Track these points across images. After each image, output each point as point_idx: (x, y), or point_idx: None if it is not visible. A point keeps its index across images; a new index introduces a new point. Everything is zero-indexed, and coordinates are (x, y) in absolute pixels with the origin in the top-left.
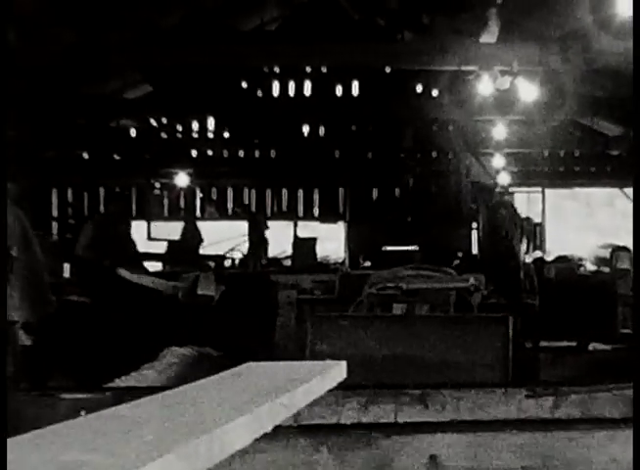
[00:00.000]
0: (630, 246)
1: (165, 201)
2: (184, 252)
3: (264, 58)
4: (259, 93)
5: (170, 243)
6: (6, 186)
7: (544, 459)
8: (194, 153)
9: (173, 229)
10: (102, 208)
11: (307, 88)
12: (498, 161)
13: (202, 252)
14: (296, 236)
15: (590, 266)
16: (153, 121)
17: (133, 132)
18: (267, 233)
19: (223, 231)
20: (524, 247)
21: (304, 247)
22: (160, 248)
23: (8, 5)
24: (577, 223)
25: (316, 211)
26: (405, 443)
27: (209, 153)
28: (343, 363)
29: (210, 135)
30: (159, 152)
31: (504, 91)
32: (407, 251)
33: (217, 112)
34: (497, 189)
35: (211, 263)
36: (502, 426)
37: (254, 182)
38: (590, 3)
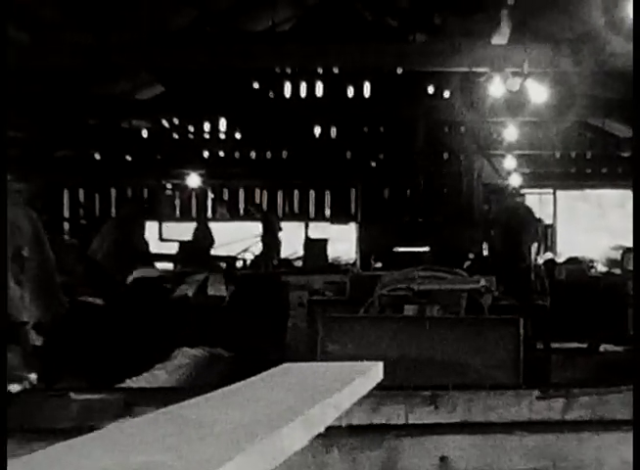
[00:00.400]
0: None
1: (177, 201)
2: (195, 252)
3: (276, 59)
4: (271, 94)
5: (182, 244)
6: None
7: (555, 461)
8: (205, 154)
9: (185, 230)
10: (113, 209)
11: (319, 89)
12: (510, 162)
13: (213, 252)
14: (307, 237)
15: (601, 268)
16: (165, 122)
17: (145, 133)
18: (280, 234)
19: (235, 232)
20: (534, 249)
21: (316, 248)
22: (172, 248)
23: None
24: (589, 225)
25: (327, 212)
26: (416, 444)
27: (221, 154)
28: (380, 364)
29: (222, 136)
30: (170, 152)
31: (515, 92)
32: (418, 252)
33: (229, 112)
34: (511, 191)
35: (223, 264)
36: (513, 428)
37: (266, 183)
38: (602, 5)
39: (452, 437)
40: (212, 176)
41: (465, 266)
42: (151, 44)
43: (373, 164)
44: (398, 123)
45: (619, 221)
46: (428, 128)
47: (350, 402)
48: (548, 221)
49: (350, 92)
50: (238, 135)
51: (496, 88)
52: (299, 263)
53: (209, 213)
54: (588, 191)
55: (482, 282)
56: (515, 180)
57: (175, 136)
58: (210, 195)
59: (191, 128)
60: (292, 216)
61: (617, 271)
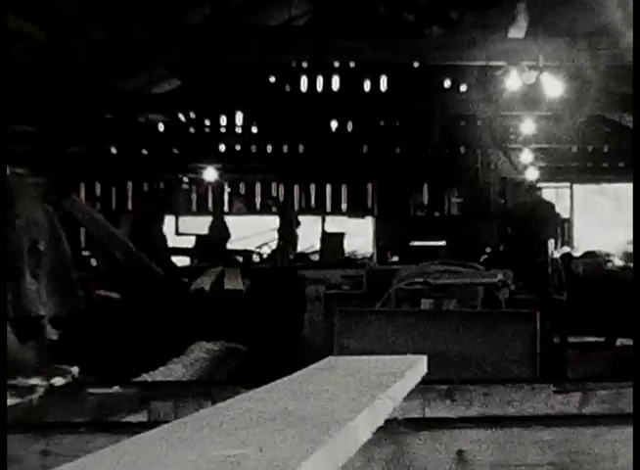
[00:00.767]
0: None
1: (194, 196)
2: (212, 247)
3: (292, 54)
4: (287, 88)
5: (198, 238)
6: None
7: (571, 455)
8: (222, 148)
9: (201, 224)
10: (130, 203)
11: (335, 83)
12: (526, 156)
13: (230, 246)
14: (323, 231)
15: (618, 262)
16: (181, 116)
17: (161, 127)
18: (299, 228)
19: (251, 226)
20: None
21: (332, 242)
22: (189, 242)
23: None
24: (606, 219)
25: (344, 207)
26: (432, 438)
27: (238, 148)
28: (425, 358)
29: (239, 130)
30: (187, 146)
31: (532, 86)
32: (435, 246)
33: (246, 106)
34: (530, 185)
35: (239, 258)
36: (530, 422)
37: (283, 177)
38: None
39: (469, 431)
40: (229, 170)
41: (482, 260)
42: (166, 40)
43: (389, 158)
44: (415, 117)
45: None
46: (444, 122)
47: (403, 395)
48: (565, 215)
49: (367, 86)
50: (254, 129)
51: (512, 82)
52: (316, 257)
53: (226, 207)
54: (605, 185)
55: (499, 276)
56: (531, 174)
57: (192, 130)
58: (227, 189)
59: (207, 122)
60: (308, 210)
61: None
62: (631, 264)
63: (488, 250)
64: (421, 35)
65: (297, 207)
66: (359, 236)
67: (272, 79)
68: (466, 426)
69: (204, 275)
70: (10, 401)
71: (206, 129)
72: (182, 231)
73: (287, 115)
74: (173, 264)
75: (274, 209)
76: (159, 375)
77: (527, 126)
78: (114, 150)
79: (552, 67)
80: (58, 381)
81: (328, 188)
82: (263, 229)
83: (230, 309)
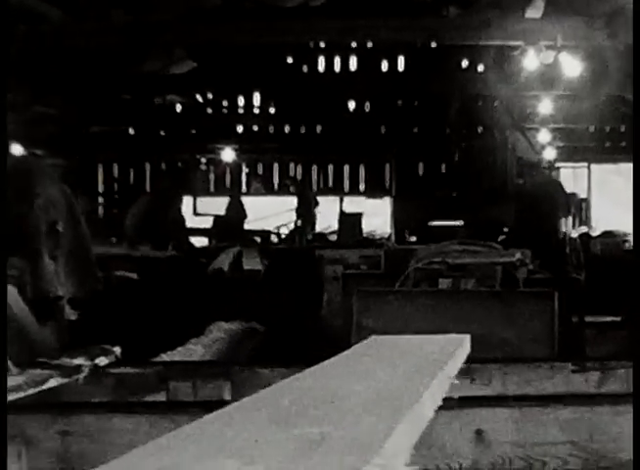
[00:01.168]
0: None
1: (211, 176)
2: (229, 227)
3: (309, 34)
4: (305, 68)
5: (216, 218)
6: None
7: (591, 434)
8: (240, 128)
9: (219, 204)
10: (148, 184)
11: (353, 63)
12: (544, 136)
13: (248, 227)
14: (341, 211)
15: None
16: (199, 97)
17: (179, 108)
18: (317, 208)
19: (269, 207)
20: (569, 223)
21: (350, 222)
22: (207, 223)
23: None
24: (623, 199)
25: (362, 187)
26: (451, 417)
27: (255, 128)
28: (468, 337)
29: (256, 111)
30: (204, 127)
31: (550, 66)
32: (453, 226)
33: (263, 87)
34: (542, 165)
35: (257, 239)
36: (549, 401)
37: (300, 157)
38: None
39: (488, 410)
40: (246, 151)
41: (499, 240)
42: (185, 21)
43: (407, 138)
44: (432, 98)
45: None
46: (461, 102)
47: (454, 374)
48: (582, 195)
49: (384, 66)
50: (272, 110)
51: (530, 62)
52: (334, 238)
53: (244, 188)
54: (622, 165)
55: (517, 255)
56: (549, 154)
57: (209, 111)
58: (245, 169)
59: (225, 103)
60: (326, 191)
61: None
62: None
63: (506, 229)
64: (438, 15)
65: (315, 187)
66: (377, 216)
67: (290, 60)
68: (485, 405)
69: (221, 255)
70: (57, 382)
71: (224, 110)
72: (200, 212)
73: (304, 95)
74: (191, 245)
75: (292, 189)
76: (177, 355)
77: (545, 106)
78: (131, 131)
79: (570, 46)
80: (102, 361)
81: (346, 168)
82: (281, 210)
83: (248, 290)
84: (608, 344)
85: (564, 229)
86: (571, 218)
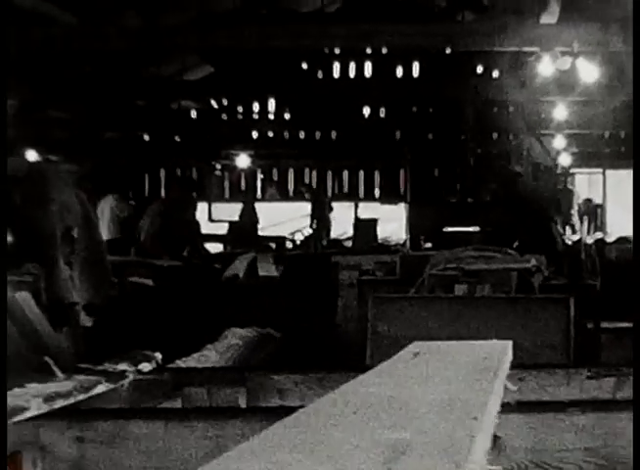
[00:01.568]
0: None
1: (226, 182)
2: (243, 233)
3: (325, 39)
4: (320, 74)
5: (231, 224)
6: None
7: (606, 440)
8: (255, 134)
9: (234, 210)
10: (163, 189)
11: (368, 69)
12: (559, 142)
13: (263, 233)
14: (356, 217)
15: None
16: (214, 103)
17: (194, 114)
18: (331, 214)
19: (284, 213)
20: (584, 228)
21: (365, 228)
22: (222, 229)
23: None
24: None
25: (377, 193)
26: None
27: (270, 134)
28: (511, 343)
29: (271, 116)
30: (219, 133)
31: (565, 72)
32: (468, 232)
33: (278, 93)
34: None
35: (273, 245)
36: (564, 407)
37: (315, 163)
38: None
39: (503, 416)
40: (262, 157)
41: (515, 246)
42: (199, 26)
43: (422, 144)
44: (447, 103)
45: None
46: (476, 108)
47: (503, 380)
48: (598, 201)
49: (399, 72)
50: (287, 116)
51: (545, 68)
52: (349, 244)
53: (259, 194)
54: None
55: (533, 261)
56: (564, 160)
57: (224, 117)
58: (260, 175)
59: (240, 109)
60: (341, 197)
61: None
62: None
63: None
64: (453, 21)
65: (329, 193)
66: (392, 222)
67: (305, 66)
68: (500, 411)
69: (236, 262)
70: (105, 387)
71: (239, 116)
72: (215, 218)
73: (319, 101)
74: (207, 251)
75: (307, 195)
76: (192, 361)
77: (560, 112)
78: (146, 137)
79: (585, 52)
80: (145, 367)
81: (361, 174)
82: (296, 215)
83: (264, 296)
84: (623, 350)
85: (566, 234)
86: (586, 224)
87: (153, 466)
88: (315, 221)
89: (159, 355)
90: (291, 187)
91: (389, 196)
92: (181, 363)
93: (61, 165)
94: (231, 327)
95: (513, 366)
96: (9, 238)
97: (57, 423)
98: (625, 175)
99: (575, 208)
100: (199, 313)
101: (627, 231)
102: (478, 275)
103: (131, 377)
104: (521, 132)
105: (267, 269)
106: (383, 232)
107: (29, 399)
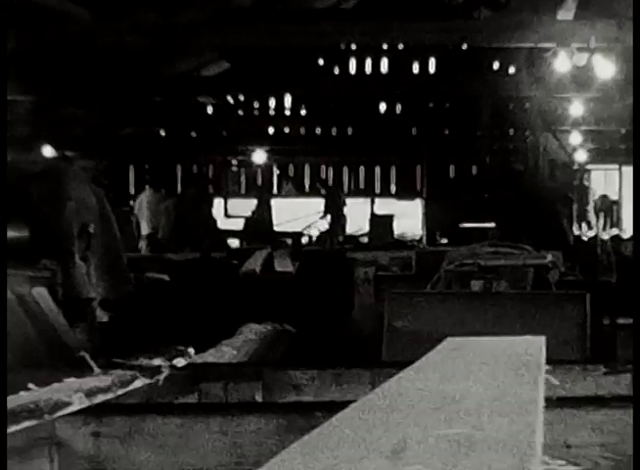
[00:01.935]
0: None
1: (243, 178)
2: (259, 229)
3: (340, 36)
4: (336, 70)
5: (247, 220)
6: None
7: (623, 436)
8: (271, 130)
9: (250, 206)
10: (179, 187)
11: (384, 65)
12: (575, 138)
13: (280, 229)
14: (373, 213)
15: None
16: (230, 99)
17: (210, 109)
18: (345, 210)
19: (301, 208)
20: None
21: (381, 224)
22: (238, 225)
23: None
24: None
25: (393, 189)
26: None
27: (287, 130)
28: (544, 339)
29: (288, 112)
30: (236, 129)
31: (581, 68)
32: (484, 228)
33: (294, 89)
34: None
35: (289, 240)
36: (580, 403)
37: (332, 159)
38: None
39: None
40: (278, 153)
41: (523, 242)
42: (216, 22)
43: (439, 140)
44: (464, 99)
45: None
46: (493, 104)
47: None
48: (614, 197)
49: (416, 68)
50: (303, 112)
51: (562, 64)
52: (365, 240)
53: (275, 190)
54: None
55: (549, 258)
56: (580, 156)
57: (241, 113)
58: (276, 171)
59: (256, 105)
60: (357, 192)
61: None
62: None
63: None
64: (470, 17)
65: (346, 189)
66: (408, 218)
67: (321, 62)
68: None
69: (252, 257)
70: (142, 382)
71: (255, 112)
72: (231, 213)
73: (336, 97)
74: (224, 246)
75: (322, 191)
76: (209, 357)
77: (577, 108)
78: (163, 132)
79: (602, 48)
80: (179, 362)
81: (377, 170)
82: (313, 211)
83: (280, 291)
84: None
85: (581, 230)
86: (602, 220)
87: (169, 461)
88: (329, 217)
89: (192, 350)
90: (307, 183)
91: (406, 192)
92: (197, 359)
93: (77, 162)
94: (247, 322)
95: None
96: (26, 234)
97: (73, 418)
98: None
99: (591, 204)
100: (215, 309)
101: None
102: (494, 271)
103: (166, 372)
104: (537, 129)
105: (284, 265)
106: (399, 228)
107: (71, 393)
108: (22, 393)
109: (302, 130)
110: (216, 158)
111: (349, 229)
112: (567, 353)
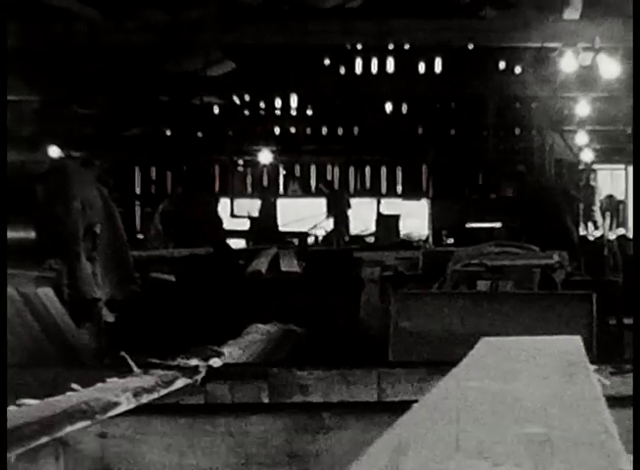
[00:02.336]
0: None
1: (249, 178)
2: (264, 229)
3: (347, 35)
4: (342, 70)
5: (252, 220)
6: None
7: (629, 436)
8: (277, 130)
9: (256, 206)
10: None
11: (390, 65)
12: (581, 138)
13: (286, 229)
14: (379, 213)
15: None
16: (236, 98)
17: (216, 109)
18: (349, 210)
19: (307, 208)
20: (606, 224)
21: (388, 224)
22: (244, 225)
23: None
24: None
25: (399, 189)
26: None
27: (293, 130)
28: (579, 338)
29: (294, 112)
30: (242, 129)
31: (588, 68)
32: (490, 228)
33: (300, 89)
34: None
35: (295, 240)
36: None
37: (338, 159)
38: None
39: None
40: (284, 153)
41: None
42: (222, 21)
43: (445, 139)
44: (470, 99)
45: None
46: (499, 104)
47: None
48: (620, 197)
49: (422, 68)
50: (309, 112)
51: (568, 63)
52: (371, 240)
53: (281, 190)
54: None
55: (555, 258)
56: (586, 156)
57: (247, 113)
58: (282, 171)
59: (262, 105)
60: (363, 192)
61: None
62: None
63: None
64: (476, 17)
65: (352, 189)
66: (414, 218)
67: (327, 61)
68: None
69: (258, 257)
70: (183, 382)
71: (261, 112)
72: (237, 213)
73: (342, 97)
74: (229, 246)
75: (325, 191)
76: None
77: (582, 108)
78: (168, 132)
79: (608, 48)
80: (215, 362)
81: (383, 170)
82: (319, 211)
83: (286, 291)
84: None
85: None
86: (608, 220)
87: (175, 462)
88: (333, 218)
89: (226, 351)
90: (313, 183)
91: (412, 192)
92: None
93: (82, 162)
94: (254, 322)
95: None
96: (32, 234)
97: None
98: None
99: (598, 204)
100: (221, 309)
101: None
102: (500, 271)
103: (204, 372)
104: (543, 128)
105: (290, 265)
106: (405, 228)
107: (119, 393)
108: (68, 393)
109: (308, 130)
110: (222, 158)
111: (356, 229)
112: None
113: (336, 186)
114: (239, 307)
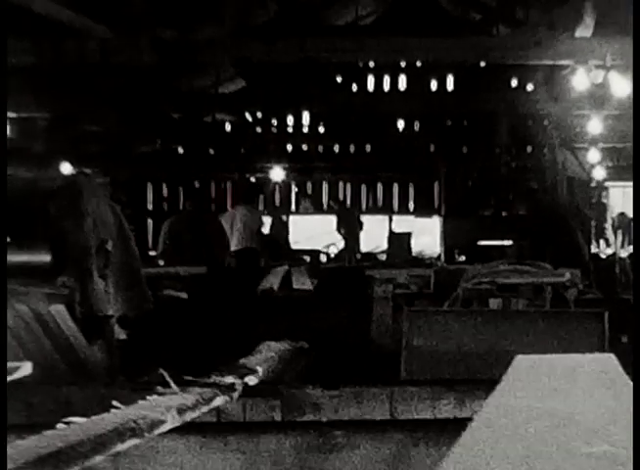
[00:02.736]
0: None
1: (260, 195)
2: (276, 246)
3: (359, 52)
4: (354, 87)
5: (263, 237)
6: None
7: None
8: (289, 147)
9: (269, 224)
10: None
11: (402, 82)
12: (593, 155)
13: (298, 246)
14: (391, 231)
15: None
16: (248, 116)
17: (228, 127)
18: (360, 229)
19: (319, 226)
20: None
21: (399, 241)
22: None
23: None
24: None
25: (411, 206)
26: None
27: (305, 147)
28: (613, 355)
29: (306, 130)
30: (254, 146)
31: (599, 85)
32: (502, 245)
33: (312, 106)
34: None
35: (307, 258)
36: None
37: (350, 177)
38: None
39: None
40: (296, 170)
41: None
42: (234, 38)
43: (457, 157)
44: (481, 117)
45: None
46: (511, 122)
47: None
48: (632, 215)
49: (434, 85)
50: (321, 129)
51: (579, 81)
52: (383, 257)
53: (293, 207)
54: None
55: (567, 276)
56: (598, 174)
57: (258, 130)
58: (294, 188)
59: (274, 122)
60: (375, 210)
61: None
62: None
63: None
64: (488, 34)
65: (363, 206)
66: (426, 235)
67: (339, 79)
68: None
69: (270, 275)
70: (222, 400)
71: (273, 129)
72: None
73: (354, 114)
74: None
75: (335, 207)
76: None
77: (594, 125)
78: (180, 149)
79: (619, 65)
80: (251, 379)
81: (395, 187)
82: (331, 229)
83: (298, 309)
84: None
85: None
86: (620, 238)
87: None
88: (345, 236)
89: (260, 369)
90: (325, 200)
91: (424, 209)
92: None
93: (95, 178)
94: (266, 340)
95: None
96: (44, 251)
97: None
98: None
99: (609, 221)
100: (233, 326)
101: None
102: (512, 289)
103: (240, 389)
104: (555, 146)
105: (302, 282)
106: (417, 245)
107: (164, 411)
108: (113, 411)
109: (320, 147)
110: (234, 175)
111: (368, 247)
112: None
113: (348, 203)
114: (251, 325)
